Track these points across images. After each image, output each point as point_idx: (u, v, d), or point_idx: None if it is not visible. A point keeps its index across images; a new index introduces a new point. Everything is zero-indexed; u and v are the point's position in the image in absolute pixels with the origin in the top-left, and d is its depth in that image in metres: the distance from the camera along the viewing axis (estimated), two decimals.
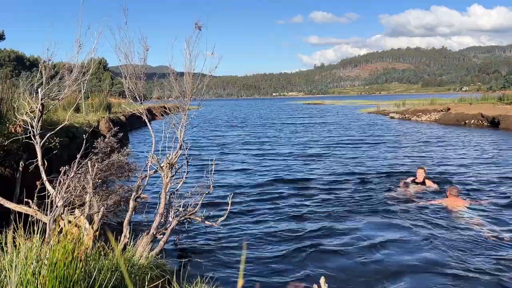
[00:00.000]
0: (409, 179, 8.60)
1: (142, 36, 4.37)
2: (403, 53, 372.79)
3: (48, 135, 4.59)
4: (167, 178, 4.59)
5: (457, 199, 7.02)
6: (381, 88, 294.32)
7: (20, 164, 4.87)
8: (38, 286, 2.17)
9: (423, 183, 8.32)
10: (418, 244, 5.31)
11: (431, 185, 8.31)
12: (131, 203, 4.36)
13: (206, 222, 5.25)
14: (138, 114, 4.76)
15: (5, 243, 2.87)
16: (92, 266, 2.56)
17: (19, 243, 2.48)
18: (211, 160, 5.23)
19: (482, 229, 5.82)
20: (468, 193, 7.83)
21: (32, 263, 2.25)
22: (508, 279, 4.28)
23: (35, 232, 2.67)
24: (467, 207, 6.87)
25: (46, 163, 4.51)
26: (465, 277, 4.38)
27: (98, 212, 3.98)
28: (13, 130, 4.87)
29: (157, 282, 3.11)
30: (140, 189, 4.59)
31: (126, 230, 4.18)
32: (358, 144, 15.72)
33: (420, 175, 8.43)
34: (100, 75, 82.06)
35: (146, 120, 4.67)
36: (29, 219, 3.49)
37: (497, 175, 9.28)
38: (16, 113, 4.98)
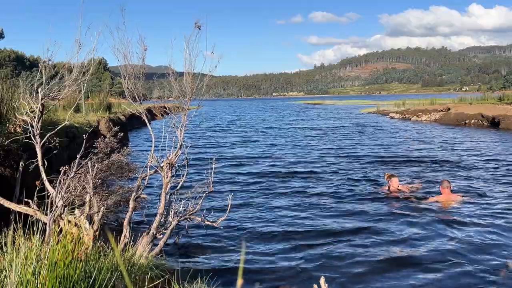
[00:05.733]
0: (382, 188, 8.01)
1: (140, 36, 4.37)
2: (403, 53, 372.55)
3: (48, 135, 4.59)
4: (167, 178, 4.59)
5: (450, 194, 7.12)
6: (381, 88, 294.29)
7: (20, 164, 4.87)
8: (38, 286, 2.17)
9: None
10: (419, 242, 5.32)
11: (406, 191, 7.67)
12: (131, 203, 4.36)
13: (206, 221, 5.25)
14: (138, 114, 4.76)
15: (5, 243, 2.87)
16: (92, 266, 2.56)
17: (19, 243, 2.48)
18: (211, 159, 5.23)
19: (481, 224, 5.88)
20: (464, 190, 7.86)
21: (32, 263, 2.25)
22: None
23: (35, 232, 2.67)
24: (461, 201, 7.00)
25: (46, 163, 4.51)
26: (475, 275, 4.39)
27: (98, 212, 3.98)
28: (13, 130, 4.87)
29: (157, 282, 3.11)
30: (140, 189, 4.59)
31: (126, 230, 4.18)
32: (354, 141, 15.73)
33: (395, 183, 7.71)
34: (100, 75, 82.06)
35: (146, 120, 4.67)
36: (29, 219, 3.49)
37: (494, 173, 9.30)
38: (16, 113, 4.98)
